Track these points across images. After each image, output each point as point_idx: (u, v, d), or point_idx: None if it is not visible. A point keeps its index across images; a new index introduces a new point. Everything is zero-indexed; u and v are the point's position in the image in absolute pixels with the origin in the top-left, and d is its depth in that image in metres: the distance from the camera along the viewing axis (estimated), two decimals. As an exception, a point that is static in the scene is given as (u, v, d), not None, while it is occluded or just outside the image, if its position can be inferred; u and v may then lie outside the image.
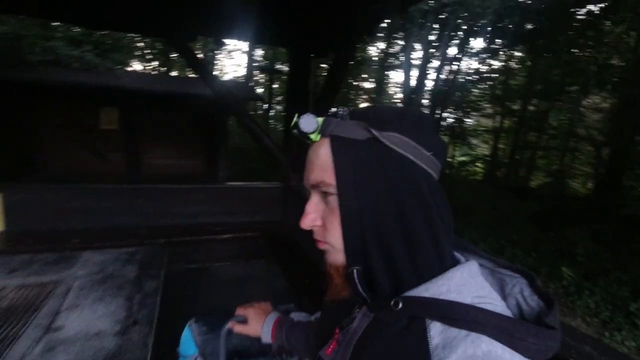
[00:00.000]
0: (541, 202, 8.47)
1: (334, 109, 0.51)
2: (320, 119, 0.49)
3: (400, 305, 0.45)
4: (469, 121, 15.38)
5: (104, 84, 6.12)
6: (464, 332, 0.40)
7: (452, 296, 0.43)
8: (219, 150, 6.59)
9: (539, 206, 8.12)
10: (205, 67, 3.85)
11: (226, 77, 21.05)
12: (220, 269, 3.59)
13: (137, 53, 15.33)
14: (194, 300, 2.86)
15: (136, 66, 16.88)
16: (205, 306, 2.65)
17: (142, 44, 14.94)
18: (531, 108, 12.19)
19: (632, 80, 6.36)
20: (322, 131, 0.49)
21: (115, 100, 6.11)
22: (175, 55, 14.33)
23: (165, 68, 16.75)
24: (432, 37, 12.09)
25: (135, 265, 1.91)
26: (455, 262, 0.49)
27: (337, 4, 2.74)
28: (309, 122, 0.49)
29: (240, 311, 1.04)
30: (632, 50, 7.91)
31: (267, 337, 0.95)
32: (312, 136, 0.50)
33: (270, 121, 18.44)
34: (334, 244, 0.50)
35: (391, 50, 15.08)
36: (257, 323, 0.98)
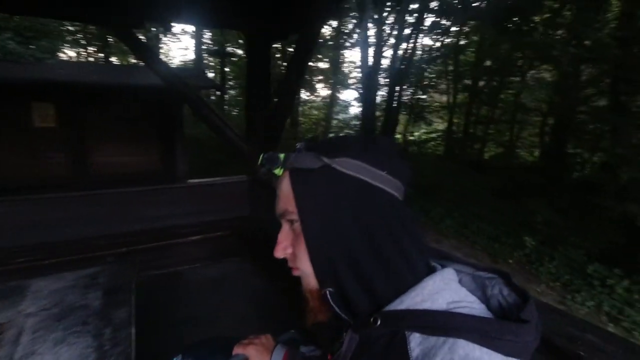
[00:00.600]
0: (498, 175, 8.93)
1: (299, 144, 0.54)
2: (282, 155, 0.53)
3: (379, 321, 0.46)
4: (424, 97, 15.78)
5: (34, 76, 5.42)
6: (441, 339, 0.40)
7: (427, 305, 0.44)
8: (176, 144, 6.12)
9: (497, 179, 8.55)
10: (152, 54, 3.47)
11: (174, 63, 19.81)
12: (192, 273, 3.39)
13: (68, 38, 13.85)
14: (169, 311, 2.66)
15: (69, 53, 15.32)
16: (185, 322, 2.47)
17: (73, 28, 13.51)
18: (481, 83, 12.69)
19: (572, 54, 6.76)
20: (284, 165, 0.52)
21: (49, 94, 5.43)
22: (114, 40, 13.15)
23: (103, 55, 15.36)
24: (386, 15, 12.07)
25: (99, 290, 1.67)
26: (431, 272, 0.50)
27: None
28: (272, 159, 0.53)
29: (238, 350, 0.90)
30: (567, 26, 8.37)
31: None
32: (276, 172, 0.53)
33: (225, 107, 17.71)
34: (304, 269, 0.53)
35: (345, 29, 14.92)
36: None
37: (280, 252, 0.55)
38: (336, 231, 0.49)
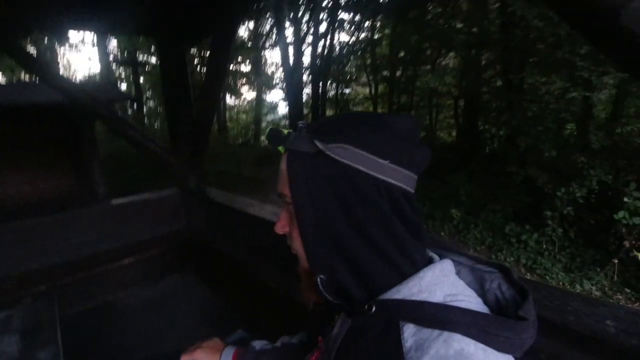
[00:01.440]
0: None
1: (301, 122, 0.52)
2: (287, 132, 0.51)
3: (374, 309, 0.46)
4: (347, 91, 16.34)
5: None
6: (436, 332, 0.40)
7: (423, 296, 0.44)
8: (90, 164, 5.57)
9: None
10: (48, 67, 3.11)
11: (78, 76, 17.95)
12: (129, 299, 3.13)
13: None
14: (108, 344, 2.44)
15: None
16: (125, 352, 2.28)
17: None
18: (398, 73, 13.52)
19: (473, 42, 7.56)
20: (286, 144, 0.51)
21: None
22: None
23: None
24: (301, 13, 12.24)
25: (15, 334, 1.48)
26: (429, 262, 0.50)
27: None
28: (274, 136, 0.52)
29: (186, 357, 0.88)
30: (464, 16, 9.31)
31: None
32: (280, 149, 0.52)
33: (144, 120, 16.54)
34: (298, 251, 0.54)
35: (263, 31, 14.82)
36: None
37: (279, 228, 0.56)
38: (327, 219, 0.48)
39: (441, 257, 0.52)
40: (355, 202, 0.46)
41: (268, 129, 0.54)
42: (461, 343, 0.38)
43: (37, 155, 5.36)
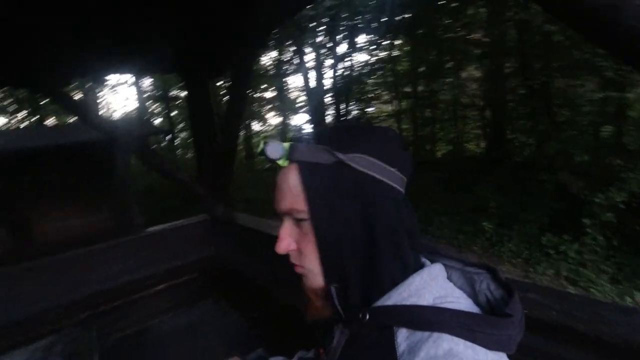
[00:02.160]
0: (449, 170, 9.42)
1: (306, 132, 0.52)
2: (287, 144, 0.49)
3: (367, 316, 0.47)
4: (371, 110, 16.42)
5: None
6: (426, 333, 0.41)
7: (413, 300, 0.46)
8: (126, 197, 5.92)
9: (449, 173, 9.01)
10: (87, 109, 3.40)
11: (116, 115, 19.23)
12: (163, 325, 3.23)
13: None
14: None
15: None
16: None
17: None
18: (420, 88, 13.48)
19: (492, 53, 7.46)
20: (289, 157, 0.49)
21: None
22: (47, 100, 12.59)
23: (38, 116, 14.61)
24: (321, 39, 12.61)
25: (57, 358, 1.58)
26: (420, 267, 0.51)
27: (223, 24, 2.63)
28: (275, 149, 0.49)
29: (208, 375, 0.91)
30: (484, 27, 9.25)
31: None
32: (280, 162, 0.50)
33: (178, 151, 17.36)
34: (310, 268, 0.51)
35: (285, 58, 15.34)
36: None
37: (284, 247, 0.53)
38: (346, 229, 0.48)
39: (432, 262, 0.54)
40: (372, 210, 0.47)
41: (260, 141, 0.50)
42: (450, 343, 0.39)
43: (78, 191, 5.76)
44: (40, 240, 5.52)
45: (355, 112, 15.10)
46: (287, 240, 0.52)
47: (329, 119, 13.87)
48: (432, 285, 0.47)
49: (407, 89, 13.98)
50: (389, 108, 16.12)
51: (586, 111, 6.37)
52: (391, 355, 0.43)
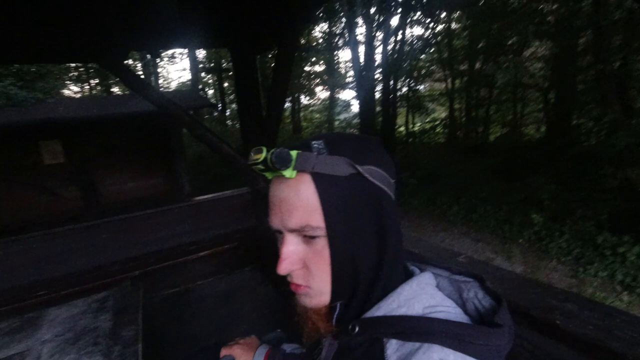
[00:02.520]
0: (501, 155, 8.85)
1: (313, 141, 0.47)
2: (295, 153, 0.44)
3: (357, 328, 0.46)
4: (422, 88, 15.71)
5: (39, 116, 5.65)
6: (416, 344, 0.40)
7: (403, 311, 0.45)
8: (178, 165, 6.32)
9: (500, 159, 8.48)
10: (142, 82, 3.58)
11: (173, 84, 20.19)
12: (205, 287, 3.49)
13: (72, 74, 14.36)
14: (183, 326, 2.77)
15: (73, 88, 15.84)
16: (194, 336, 2.57)
17: (74, 65, 13.98)
18: (477, 66, 12.58)
19: (563, 27, 6.69)
20: (299, 167, 0.44)
21: (55, 132, 5.68)
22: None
23: (104, 88, 15.81)
24: (373, 10, 12.10)
25: (108, 312, 1.78)
26: (408, 276, 0.50)
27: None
28: (284, 158, 0.44)
29: (225, 351, 0.98)
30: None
31: None
32: (287, 173, 0.44)
33: (228, 122, 17.97)
34: (319, 287, 0.48)
35: (335, 31, 15.00)
36: None
37: (287, 268, 0.48)
38: (361, 244, 0.46)
39: (421, 270, 0.53)
40: (383, 222, 0.46)
41: (262, 148, 0.45)
42: (440, 353, 0.38)
43: (135, 157, 6.27)
44: (104, 201, 6.12)
45: (405, 89, 14.55)
46: (291, 259, 0.48)
47: (377, 95, 13.47)
48: (422, 295, 0.46)
49: (463, 66, 13.13)
50: (442, 86, 15.34)
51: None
52: None
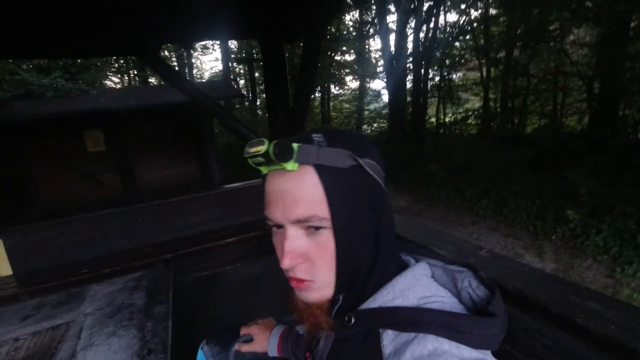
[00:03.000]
0: (537, 147, 8.43)
1: (313, 134, 0.47)
2: (296, 146, 0.44)
3: (353, 320, 0.47)
4: (455, 77, 15.17)
5: (83, 107, 6.02)
6: (412, 335, 0.42)
7: (398, 302, 0.45)
8: (209, 154, 6.56)
9: (536, 152, 8.09)
10: (175, 73, 3.74)
11: (206, 75, 20.66)
12: (232, 272, 3.63)
13: (113, 65, 15.09)
14: (209, 307, 2.92)
15: (114, 79, 16.63)
16: (220, 318, 2.71)
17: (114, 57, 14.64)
18: (515, 54, 11.95)
19: (610, 11, 6.22)
20: (301, 159, 0.43)
21: (97, 122, 6.04)
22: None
23: (142, 79, 16.45)
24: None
25: (142, 291, 1.93)
26: (402, 267, 0.51)
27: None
28: (286, 150, 0.43)
29: (244, 330, 1.05)
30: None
31: (273, 351, 0.97)
32: (289, 166, 0.43)
33: (259, 112, 18.23)
34: (323, 280, 0.48)
35: (367, 18, 14.72)
36: (263, 339, 1.00)
37: (291, 262, 0.47)
38: (362, 236, 0.47)
39: (417, 261, 0.54)
40: (380, 214, 0.47)
41: (264, 141, 0.45)
42: (434, 343, 0.39)
43: (169, 146, 6.57)
44: (141, 187, 6.47)
45: (437, 78, 14.11)
46: (295, 253, 0.46)
47: (408, 85, 13.16)
48: (416, 286, 0.47)
49: (500, 54, 12.52)
50: (476, 75, 14.74)
51: None
52: (377, 358, 0.44)
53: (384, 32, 11.48)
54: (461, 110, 15.16)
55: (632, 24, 7.24)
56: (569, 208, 5.13)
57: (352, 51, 18.65)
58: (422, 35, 12.08)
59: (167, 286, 1.96)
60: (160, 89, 7.32)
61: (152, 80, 16.67)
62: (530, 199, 6.04)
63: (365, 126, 19.19)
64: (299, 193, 0.44)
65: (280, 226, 0.49)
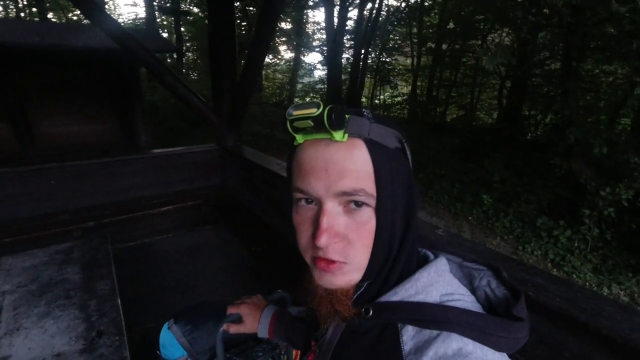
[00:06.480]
0: (459, 137, 9.30)
1: (362, 109, 0.44)
2: (347, 116, 0.41)
3: (371, 312, 0.45)
4: (389, 60, 15.72)
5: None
6: (434, 332, 0.40)
7: (420, 297, 0.44)
8: (134, 112, 5.74)
9: (458, 141, 8.91)
10: (100, 10, 3.12)
11: (122, 21, 18.10)
12: (165, 243, 3.36)
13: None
14: (145, 281, 2.66)
15: (-3, 10, 13.60)
16: (160, 289, 2.49)
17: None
18: (444, 46, 12.80)
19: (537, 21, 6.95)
20: (352, 130, 0.41)
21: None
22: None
23: (37, 10, 13.69)
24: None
25: (75, 264, 1.64)
26: (423, 259, 0.51)
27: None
28: (342, 118, 0.40)
29: (232, 310, 0.95)
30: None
31: (263, 332, 0.91)
32: (338, 135, 0.40)
33: (183, 71, 16.70)
34: (356, 263, 0.44)
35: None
36: (253, 320, 0.93)
37: (330, 239, 0.42)
38: (397, 220, 0.44)
39: (435, 255, 0.52)
40: (413, 200, 0.46)
41: (316, 100, 0.41)
42: (459, 342, 0.38)
43: (82, 98, 5.57)
44: (43, 144, 5.47)
45: (373, 59, 14.46)
46: (333, 230, 0.42)
47: (344, 62, 13.26)
48: (439, 282, 0.46)
49: (431, 44, 13.30)
50: (407, 61, 15.48)
51: (611, 100, 6.17)
52: (396, 353, 0.42)
53: (329, 4, 11.25)
54: (395, 94, 15.89)
55: (541, 34, 8.20)
56: (484, 193, 5.82)
57: (288, 19, 18.00)
58: (365, 14, 12.16)
59: (107, 259, 1.70)
60: (71, 28, 6.14)
61: (50, 15, 14.06)
62: (453, 182, 6.68)
63: (297, 99, 18.98)
64: (348, 164, 0.41)
65: (310, 201, 0.44)
